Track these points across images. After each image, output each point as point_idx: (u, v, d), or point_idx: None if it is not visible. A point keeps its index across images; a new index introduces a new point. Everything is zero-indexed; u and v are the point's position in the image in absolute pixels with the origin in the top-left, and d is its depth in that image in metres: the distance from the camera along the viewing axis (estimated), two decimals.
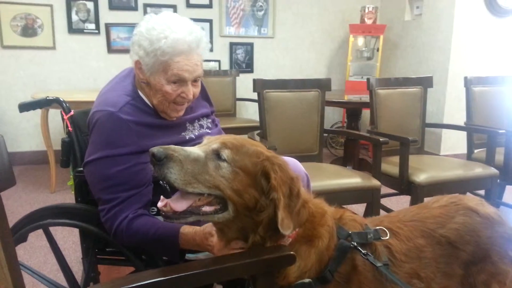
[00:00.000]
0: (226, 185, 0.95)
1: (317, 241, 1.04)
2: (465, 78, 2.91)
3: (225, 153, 0.96)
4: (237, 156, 0.97)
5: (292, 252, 0.96)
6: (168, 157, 0.91)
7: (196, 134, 1.48)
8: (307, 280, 1.01)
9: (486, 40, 4.30)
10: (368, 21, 4.81)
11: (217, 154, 0.96)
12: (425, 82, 2.78)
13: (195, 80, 1.37)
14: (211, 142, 1.00)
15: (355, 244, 1.05)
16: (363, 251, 1.04)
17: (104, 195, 1.27)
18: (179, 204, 0.96)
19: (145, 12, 4.27)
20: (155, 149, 0.91)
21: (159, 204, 0.98)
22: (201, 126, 1.53)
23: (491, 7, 4.21)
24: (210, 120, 1.58)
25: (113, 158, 1.26)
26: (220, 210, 0.98)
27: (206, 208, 0.97)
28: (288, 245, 1.02)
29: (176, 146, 0.95)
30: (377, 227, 1.13)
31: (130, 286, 0.81)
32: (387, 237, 1.11)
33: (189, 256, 1.29)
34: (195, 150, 0.96)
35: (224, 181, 0.95)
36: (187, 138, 1.45)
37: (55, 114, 3.72)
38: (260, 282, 0.96)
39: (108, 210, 1.26)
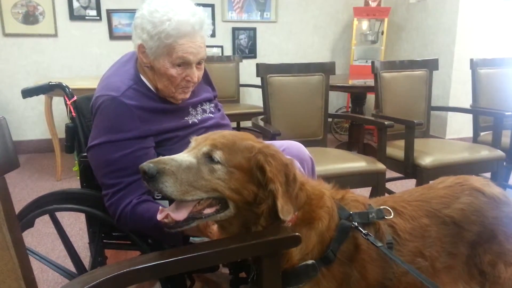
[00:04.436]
0: (224, 186, 0.94)
1: (317, 223, 1.05)
2: (471, 60, 2.87)
3: (217, 155, 0.94)
4: (230, 155, 0.95)
5: (297, 234, 0.97)
6: (160, 171, 0.89)
7: (199, 118, 1.48)
8: (310, 262, 1.02)
9: (493, 22, 4.22)
10: (373, 4, 4.74)
11: (209, 157, 0.95)
12: (431, 65, 2.74)
13: (199, 63, 1.36)
14: (200, 144, 0.98)
15: (356, 224, 1.06)
16: (364, 231, 1.04)
17: (107, 180, 1.27)
18: (179, 213, 0.95)
19: None
20: (145, 166, 0.89)
21: (159, 216, 0.97)
22: (204, 111, 1.52)
23: None
24: (213, 105, 1.57)
25: (116, 143, 1.26)
26: (221, 209, 0.98)
27: (207, 210, 0.97)
28: None
29: (166, 158, 0.93)
30: (381, 207, 1.13)
31: (137, 267, 0.82)
32: (391, 216, 1.11)
33: (194, 239, 1.30)
34: (186, 158, 0.94)
35: (221, 182, 0.94)
36: (190, 122, 1.44)
37: (59, 102, 3.72)
38: (265, 263, 0.96)
39: (112, 195, 1.26)
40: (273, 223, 1.00)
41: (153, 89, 1.38)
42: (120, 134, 1.26)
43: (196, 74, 1.35)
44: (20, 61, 4.06)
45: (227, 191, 0.95)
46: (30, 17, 3.99)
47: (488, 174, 2.48)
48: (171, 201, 1.02)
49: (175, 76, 1.31)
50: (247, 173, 0.97)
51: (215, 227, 1.12)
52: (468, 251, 1.17)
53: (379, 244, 1.02)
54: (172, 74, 1.31)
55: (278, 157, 1.01)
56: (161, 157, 0.94)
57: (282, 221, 0.99)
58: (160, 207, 1.00)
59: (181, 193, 0.91)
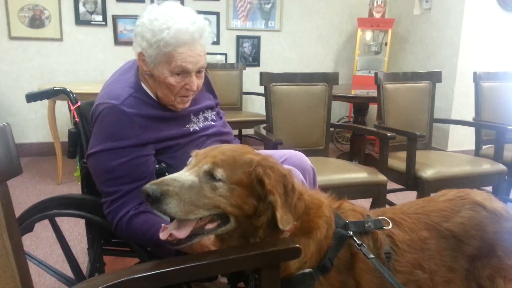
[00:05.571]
0: (225, 203, 0.95)
1: (315, 232, 1.05)
2: (474, 73, 2.87)
3: (219, 173, 0.95)
4: (231, 172, 0.96)
5: (297, 245, 0.96)
6: (164, 193, 0.90)
7: (201, 126, 1.48)
8: (307, 270, 1.03)
9: (496, 35, 4.24)
10: (377, 15, 4.76)
11: (210, 175, 0.95)
12: (434, 77, 2.74)
13: (198, 71, 1.35)
14: (200, 162, 0.98)
15: (351, 233, 1.06)
16: (358, 241, 1.04)
17: (106, 187, 1.27)
18: (182, 231, 0.96)
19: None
20: (149, 189, 0.89)
21: (162, 235, 0.97)
22: (206, 118, 1.52)
23: (501, 1, 4.15)
24: (214, 113, 1.57)
25: (115, 151, 1.26)
26: (222, 224, 0.99)
27: (209, 226, 0.98)
28: None
29: (168, 178, 0.93)
30: (379, 217, 1.13)
31: (135, 276, 0.81)
32: (389, 227, 1.11)
33: None
34: (188, 177, 0.95)
35: (223, 199, 0.95)
36: (191, 130, 1.44)
37: (62, 106, 3.74)
38: (265, 274, 0.96)
39: (110, 203, 1.26)
40: (271, 234, 1.00)
41: (153, 97, 1.38)
42: (118, 142, 1.26)
43: (196, 83, 1.35)
44: (24, 64, 4.09)
45: (229, 207, 0.96)
46: (36, 21, 4.02)
47: (489, 188, 2.47)
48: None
49: (174, 85, 1.31)
50: (248, 188, 0.98)
51: (211, 248, 1.12)
52: (467, 265, 1.16)
53: (371, 256, 1.02)
54: (171, 83, 1.31)
55: (277, 169, 1.01)
56: (163, 178, 0.94)
57: (281, 231, 1.00)
58: (163, 225, 1.00)
59: (185, 213, 0.92)
